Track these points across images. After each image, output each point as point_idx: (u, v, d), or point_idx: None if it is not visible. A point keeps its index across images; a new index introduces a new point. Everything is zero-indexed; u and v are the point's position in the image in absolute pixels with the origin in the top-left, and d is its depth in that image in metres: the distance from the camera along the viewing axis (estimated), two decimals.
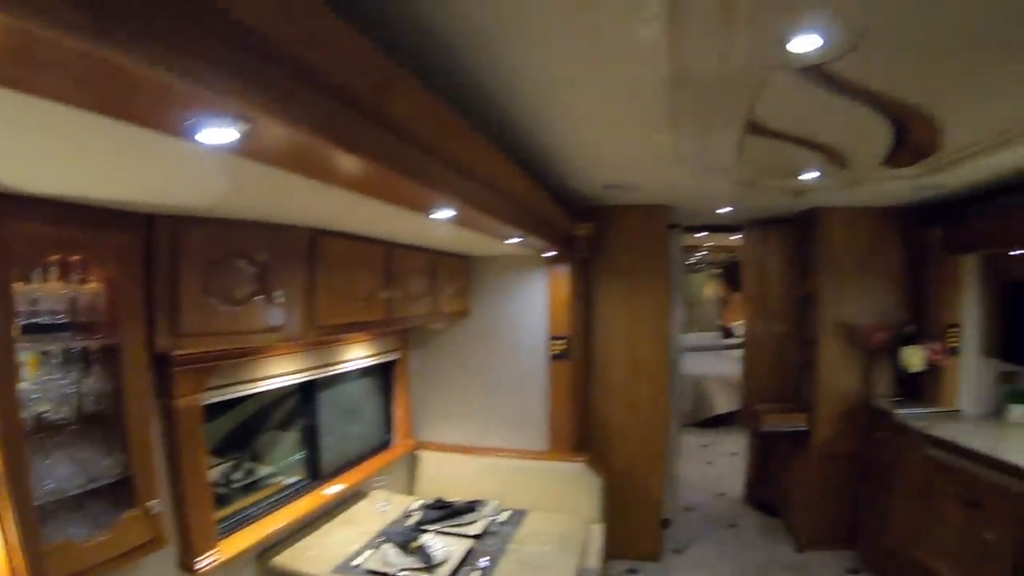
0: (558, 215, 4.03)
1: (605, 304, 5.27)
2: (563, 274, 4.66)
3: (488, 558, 3.25)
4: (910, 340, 5.10)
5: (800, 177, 4.09)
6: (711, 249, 10.97)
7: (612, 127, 3.02)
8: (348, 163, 1.46)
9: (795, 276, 6.11)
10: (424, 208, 2.19)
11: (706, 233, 7.04)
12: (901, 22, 1.92)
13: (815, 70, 2.26)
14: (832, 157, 3.64)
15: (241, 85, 1.04)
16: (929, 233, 5.07)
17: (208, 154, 1.29)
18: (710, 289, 15.26)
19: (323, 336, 2.92)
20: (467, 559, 3.23)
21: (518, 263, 4.68)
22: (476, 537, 3.51)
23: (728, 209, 5.69)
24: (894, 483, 4.85)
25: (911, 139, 3.22)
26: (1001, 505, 3.67)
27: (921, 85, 2.53)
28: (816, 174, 4.02)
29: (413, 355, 4.75)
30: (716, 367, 10.78)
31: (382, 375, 4.51)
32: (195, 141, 1.17)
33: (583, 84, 2.42)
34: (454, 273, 4.36)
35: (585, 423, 5.19)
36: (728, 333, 13.94)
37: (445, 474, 4.55)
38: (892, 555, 4.75)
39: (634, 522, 5.24)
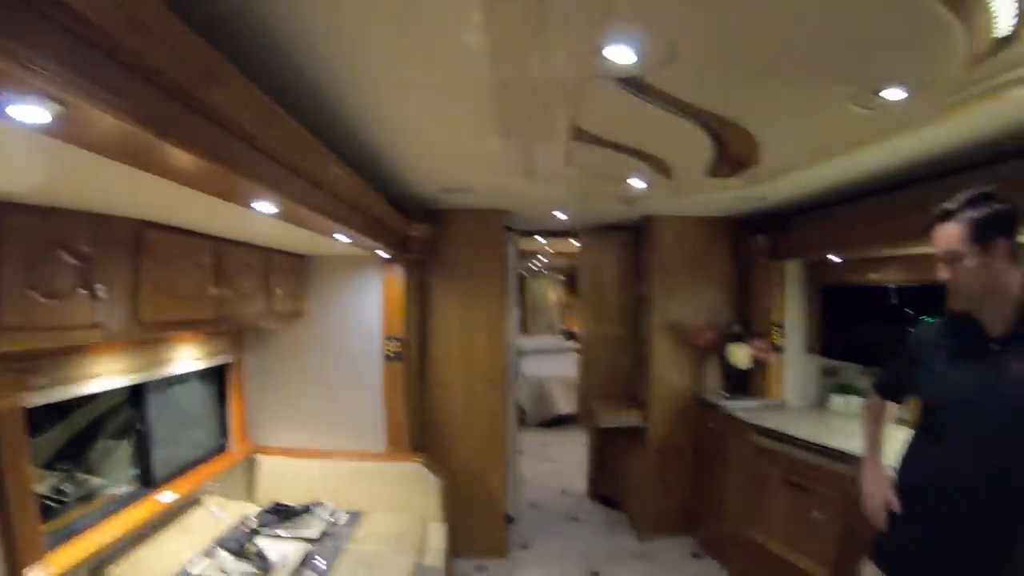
0: (392, 216, 4.06)
1: (442, 305, 5.35)
2: (398, 275, 4.71)
3: (325, 560, 3.26)
4: (737, 339, 5.51)
5: (629, 183, 4.27)
6: (554, 255, 11.24)
7: (443, 130, 3.10)
8: (167, 151, 1.46)
9: (630, 280, 6.44)
10: (245, 201, 2.18)
11: (545, 241, 7.22)
12: (711, 42, 2.08)
13: (633, 81, 2.40)
14: (658, 166, 3.83)
15: (56, 66, 1.04)
16: (755, 240, 5.47)
17: (23, 135, 1.26)
18: (554, 294, 15.68)
19: (148, 334, 2.81)
20: (304, 562, 3.22)
21: (354, 263, 4.68)
22: (313, 540, 3.51)
23: (564, 215, 5.89)
24: (727, 471, 5.20)
25: (731, 152, 3.45)
26: (825, 485, 4.03)
27: (734, 101, 2.74)
28: (643, 182, 4.21)
29: (249, 357, 4.63)
30: (559, 369, 11.06)
31: (217, 378, 4.37)
32: (5, 118, 1.15)
33: (412, 86, 2.48)
34: (288, 272, 4.29)
35: (424, 423, 5.25)
36: (571, 336, 14.32)
37: (284, 478, 4.48)
38: (730, 538, 5.11)
39: (478, 520, 5.34)
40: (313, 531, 3.59)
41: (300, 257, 4.51)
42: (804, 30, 1.99)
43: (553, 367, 11.28)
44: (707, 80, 2.46)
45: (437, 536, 4.23)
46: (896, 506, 2.42)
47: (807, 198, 4.77)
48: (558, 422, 10.49)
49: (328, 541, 3.52)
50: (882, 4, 1.84)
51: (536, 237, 7.37)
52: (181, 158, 1.53)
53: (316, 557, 3.29)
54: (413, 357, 4.97)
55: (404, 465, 4.53)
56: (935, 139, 3.15)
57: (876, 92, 2.50)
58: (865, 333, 4.80)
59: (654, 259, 5.79)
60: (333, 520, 3.77)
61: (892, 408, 2.77)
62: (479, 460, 5.38)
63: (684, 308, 5.78)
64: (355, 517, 3.86)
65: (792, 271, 5.49)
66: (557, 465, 8.47)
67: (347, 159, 2.83)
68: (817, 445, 4.14)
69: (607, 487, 6.85)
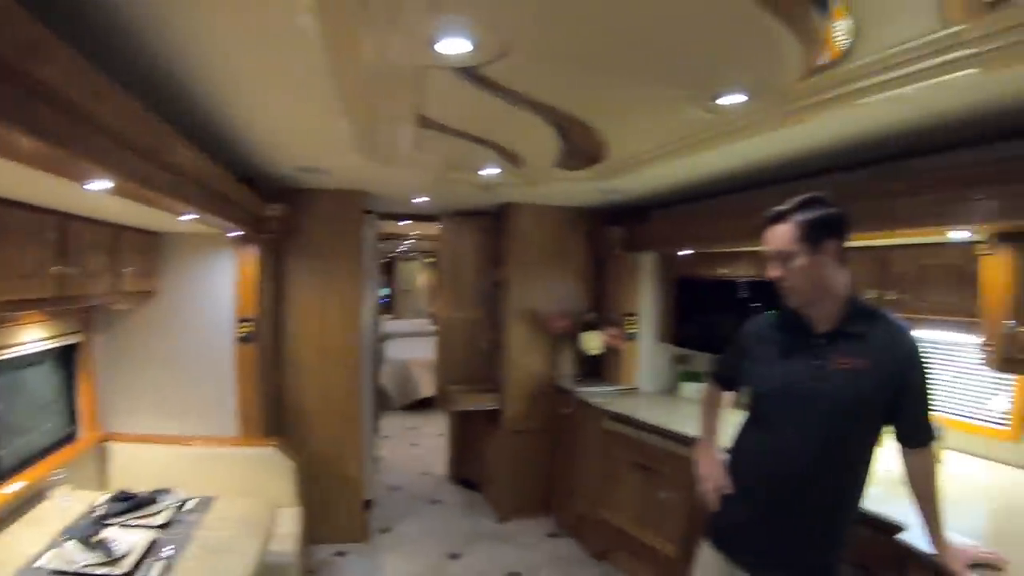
0: (244, 195, 4.01)
1: (298, 287, 5.28)
2: (251, 255, 4.64)
3: (172, 547, 3.20)
4: (591, 326, 5.72)
5: (481, 172, 4.38)
6: (419, 238, 11.24)
7: (291, 111, 3.09)
8: None
9: (489, 265, 6.55)
10: (78, 178, 2.11)
11: (410, 221, 7.24)
12: (544, 39, 2.16)
13: (471, 72, 2.46)
14: (508, 156, 3.93)
15: None
16: (611, 232, 5.69)
17: None
18: (422, 277, 15.69)
19: None
20: (151, 549, 3.16)
21: (208, 242, 4.55)
22: (161, 527, 3.43)
23: (424, 199, 5.93)
24: (580, 454, 5.43)
25: (578, 146, 3.57)
26: (671, 468, 4.28)
27: (572, 97, 2.85)
28: (497, 171, 4.33)
29: (99, 339, 4.45)
30: (424, 352, 10.96)
31: (66, 362, 4.18)
32: None
33: (255, 66, 2.47)
34: (140, 250, 4.15)
35: (280, 407, 5.20)
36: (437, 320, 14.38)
37: (136, 465, 4.35)
38: (584, 518, 5.34)
39: (337, 505, 5.35)
40: (161, 518, 3.51)
41: (152, 234, 4.37)
42: (639, 34, 2.09)
43: (418, 350, 11.25)
44: (542, 75, 2.55)
45: (289, 521, 4.24)
46: (728, 488, 2.55)
47: (663, 193, 5.00)
48: (423, 405, 10.55)
49: (177, 528, 3.44)
50: (716, 14, 1.95)
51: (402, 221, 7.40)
52: (6, 135, 1.49)
53: (164, 545, 3.22)
54: (267, 339, 4.91)
55: (257, 450, 4.50)
56: (783, 143, 3.33)
57: (714, 97, 2.65)
58: (715, 324, 5.07)
59: (512, 246, 5.95)
60: (182, 507, 3.69)
61: (728, 395, 2.90)
62: (336, 444, 5.37)
63: (540, 295, 5.97)
64: (205, 503, 3.77)
65: (647, 263, 5.78)
66: (420, 448, 8.60)
67: (200, 139, 2.79)
68: (663, 429, 4.41)
69: (468, 470, 6.99)
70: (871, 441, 2.30)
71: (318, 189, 5.20)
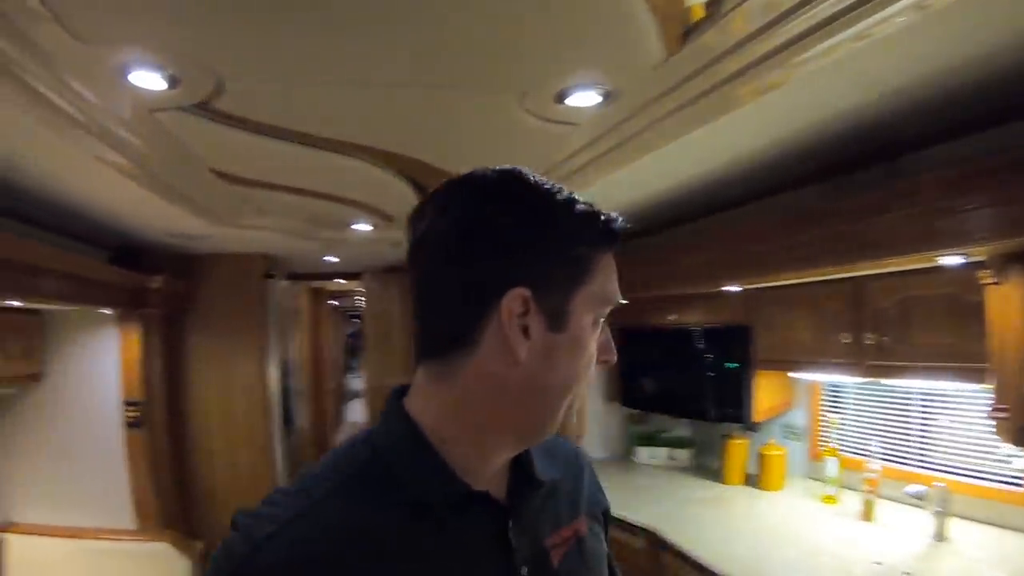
0: (103, 270, 3.89)
1: (198, 363, 5.05)
2: (134, 332, 4.42)
3: None
4: None
5: (353, 228, 4.22)
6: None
7: (104, 179, 2.86)
8: None
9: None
10: None
11: (345, 282, 7.08)
12: (260, 55, 1.87)
13: (213, 111, 2.20)
14: (367, 209, 3.76)
15: None
16: None
17: None
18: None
19: None
20: None
21: (93, 320, 4.35)
22: None
23: (334, 259, 5.75)
24: None
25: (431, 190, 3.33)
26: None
27: (360, 126, 2.54)
28: (368, 227, 4.17)
29: None
30: None
31: None
32: None
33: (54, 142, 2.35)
34: (18, 330, 3.95)
35: (185, 495, 4.95)
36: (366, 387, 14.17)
37: (34, 560, 4.17)
38: None
39: None
40: None
41: (33, 312, 4.15)
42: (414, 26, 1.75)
43: None
44: (295, 103, 2.25)
45: None
46: None
47: None
48: None
49: None
50: None
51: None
52: None
53: None
54: (161, 423, 4.67)
55: (150, 545, 4.29)
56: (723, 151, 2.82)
57: (559, 99, 2.17)
58: (670, 380, 4.65)
59: None
60: None
61: None
62: None
63: None
64: None
65: None
66: None
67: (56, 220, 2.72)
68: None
69: None
70: None
71: (212, 254, 4.98)
